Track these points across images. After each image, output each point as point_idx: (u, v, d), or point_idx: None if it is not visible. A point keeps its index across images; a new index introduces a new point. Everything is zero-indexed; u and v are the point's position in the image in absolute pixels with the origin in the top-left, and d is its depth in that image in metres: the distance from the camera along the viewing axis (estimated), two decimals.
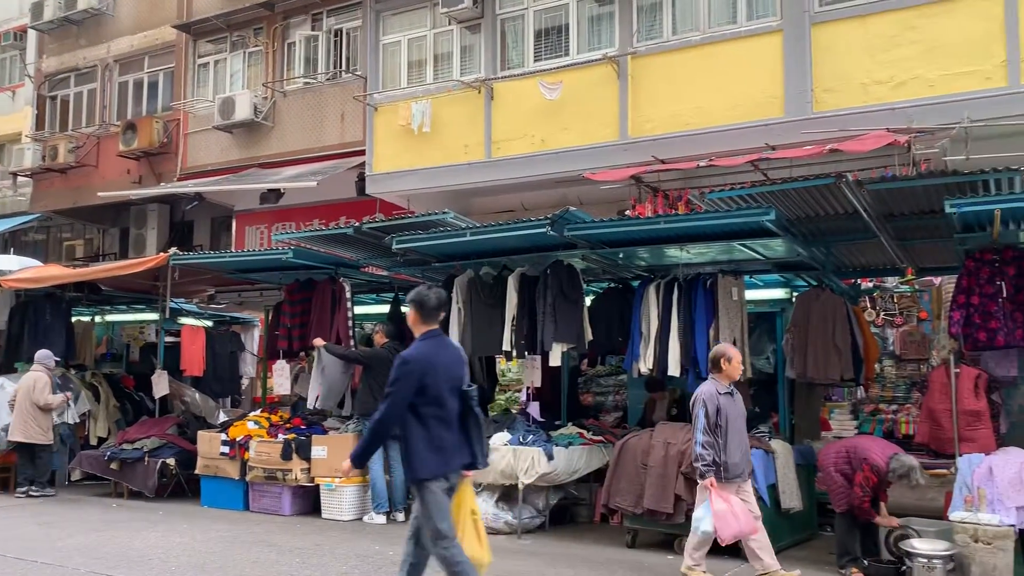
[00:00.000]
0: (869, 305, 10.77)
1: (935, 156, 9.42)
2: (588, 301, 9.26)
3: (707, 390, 6.55)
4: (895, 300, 10.71)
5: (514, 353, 8.65)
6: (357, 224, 8.97)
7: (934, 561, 6.20)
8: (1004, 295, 6.91)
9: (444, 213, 8.71)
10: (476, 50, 12.98)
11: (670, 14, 11.48)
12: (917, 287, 10.31)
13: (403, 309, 10.46)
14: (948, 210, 6.49)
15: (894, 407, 10.46)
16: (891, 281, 10.42)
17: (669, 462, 7.43)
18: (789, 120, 10.29)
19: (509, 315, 8.65)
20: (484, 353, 9.47)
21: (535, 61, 12.43)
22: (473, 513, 4.84)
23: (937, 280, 9.88)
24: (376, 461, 9.06)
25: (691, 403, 6.63)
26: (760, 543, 6.33)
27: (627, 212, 11.04)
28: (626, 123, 11.44)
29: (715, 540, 6.31)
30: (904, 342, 10.73)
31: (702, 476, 6.30)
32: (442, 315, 5.20)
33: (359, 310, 11.07)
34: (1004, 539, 6.20)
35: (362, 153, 13.63)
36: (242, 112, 14.90)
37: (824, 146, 9.26)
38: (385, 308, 11.05)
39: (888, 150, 9.31)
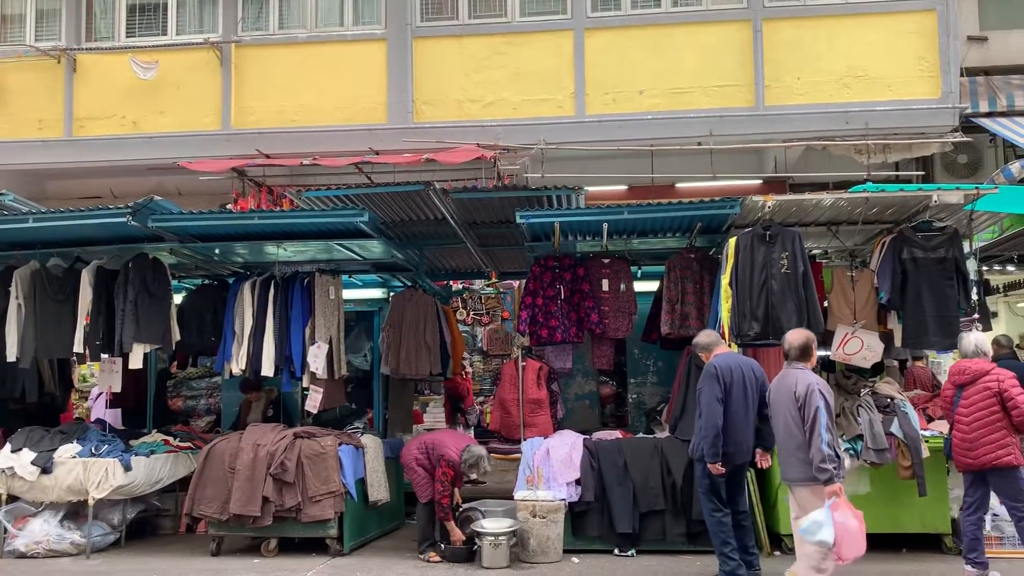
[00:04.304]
0: (461, 305, 11.67)
1: (517, 172, 10.43)
2: (179, 299, 8.70)
3: (819, 380, 5.32)
4: (483, 301, 11.73)
5: (88, 355, 7.80)
6: None
7: (500, 538, 6.86)
8: (562, 297, 7.91)
9: (2, 194, 7.59)
10: (57, 16, 11.51)
11: (277, 7, 11.24)
12: (500, 289, 11.40)
13: None
14: (518, 220, 7.27)
15: (481, 399, 11.42)
16: (479, 283, 11.38)
17: (258, 464, 7.25)
18: (392, 127, 10.66)
19: (82, 312, 7.79)
20: (52, 355, 8.39)
21: (128, 36, 11.38)
22: None
23: (516, 283, 11.03)
24: None
25: (802, 396, 5.30)
26: None
27: (229, 206, 10.60)
28: (229, 113, 10.97)
29: None
30: (490, 339, 11.81)
31: (829, 481, 5.12)
32: None
33: None
34: (556, 512, 7.06)
35: None
36: None
37: (421, 155, 9.76)
38: None
39: (478, 164, 10.09)
